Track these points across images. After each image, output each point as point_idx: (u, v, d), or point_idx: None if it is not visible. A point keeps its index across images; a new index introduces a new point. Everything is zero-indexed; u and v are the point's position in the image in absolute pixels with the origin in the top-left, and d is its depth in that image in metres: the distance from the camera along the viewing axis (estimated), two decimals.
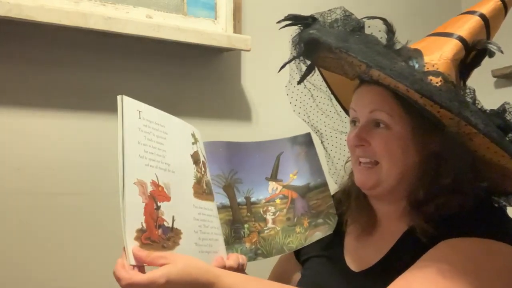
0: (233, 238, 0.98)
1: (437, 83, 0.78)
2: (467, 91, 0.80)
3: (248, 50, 1.45)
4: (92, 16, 1.21)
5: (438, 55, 0.85)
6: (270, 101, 1.55)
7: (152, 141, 0.79)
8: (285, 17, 0.97)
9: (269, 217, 1.01)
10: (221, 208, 0.98)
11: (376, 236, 0.94)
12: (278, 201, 1.03)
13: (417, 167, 0.88)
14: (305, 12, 0.98)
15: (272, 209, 1.02)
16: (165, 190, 0.79)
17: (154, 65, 1.39)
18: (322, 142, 1.11)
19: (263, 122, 1.55)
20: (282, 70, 1.00)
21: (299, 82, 1.04)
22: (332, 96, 1.09)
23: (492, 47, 0.86)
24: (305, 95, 1.08)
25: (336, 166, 1.10)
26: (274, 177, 1.04)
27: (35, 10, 1.14)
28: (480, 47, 0.87)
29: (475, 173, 0.85)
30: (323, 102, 1.09)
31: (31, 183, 1.21)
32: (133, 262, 0.71)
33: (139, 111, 0.79)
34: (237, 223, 0.99)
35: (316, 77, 1.05)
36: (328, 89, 1.08)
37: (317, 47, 0.90)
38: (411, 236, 0.86)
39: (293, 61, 1.00)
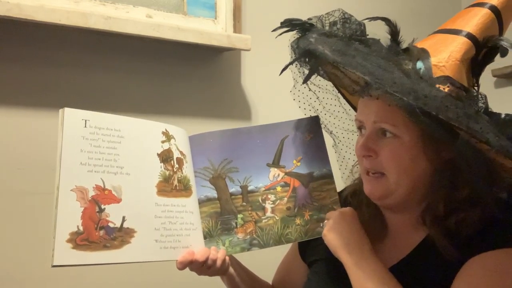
0: (218, 230, 0.95)
1: (444, 89, 0.74)
2: (479, 97, 0.75)
3: (248, 50, 1.45)
4: (92, 16, 1.21)
5: (446, 56, 0.80)
6: (270, 101, 1.55)
7: (100, 147, 0.84)
8: (281, 23, 0.93)
9: (268, 205, 0.98)
10: (206, 201, 0.96)
11: (388, 243, 0.91)
12: (279, 188, 0.99)
13: (431, 176, 0.84)
14: (306, 12, 0.97)
15: (272, 197, 0.98)
16: (113, 192, 0.83)
17: (154, 65, 1.39)
18: (334, 145, 1.07)
19: (263, 121, 1.52)
20: (283, 70, 0.99)
21: (303, 83, 1.00)
22: (339, 95, 1.03)
23: (504, 44, 0.80)
24: (311, 98, 1.04)
25: (351, 169, 1.04)
26: (276, 162, 0.99)
27: (35, 10, 1.14)
28: (491, 44, 0.82)
29: (493, 181, 0.80)
30: (330, 103, 1.04)
31: (31, 183, 1.21)
32: (57, 263, 0.74)
33: (85, 120, 0.84)
34: (227, 214, 0.96)
35: (320, 77, 1.00)
36: (334, 88, 1.03)
37: (315, 57, 0.86)
38: (428, 247, 0.83)
39: (294, 65, 0.96)
